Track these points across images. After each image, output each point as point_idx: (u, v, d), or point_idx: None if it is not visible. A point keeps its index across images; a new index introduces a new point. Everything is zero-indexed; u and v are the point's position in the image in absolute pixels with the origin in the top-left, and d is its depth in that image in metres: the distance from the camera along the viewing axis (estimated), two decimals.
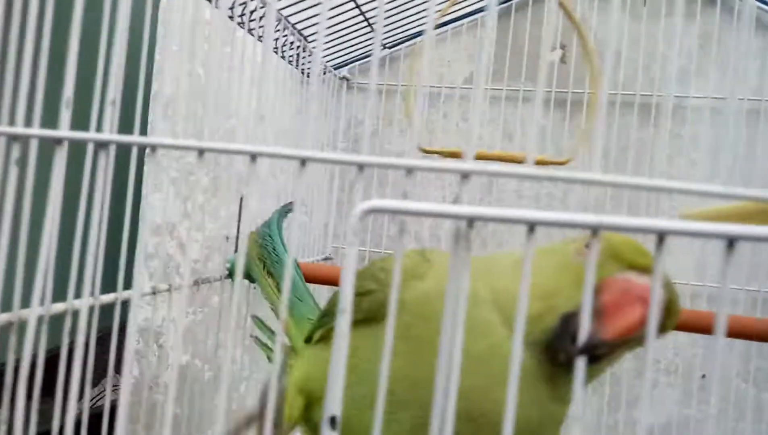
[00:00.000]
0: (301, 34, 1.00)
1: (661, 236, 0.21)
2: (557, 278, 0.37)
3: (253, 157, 0.27)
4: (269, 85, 0.93)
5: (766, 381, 1.09)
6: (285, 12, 0.92)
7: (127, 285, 0.55)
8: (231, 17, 0.82)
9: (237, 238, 0.93)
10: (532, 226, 0.22)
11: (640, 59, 1.12)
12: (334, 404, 0.23)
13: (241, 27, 0.76)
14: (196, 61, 0.92)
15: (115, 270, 0.53)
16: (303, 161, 0.25)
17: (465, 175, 0.23)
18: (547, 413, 0.37)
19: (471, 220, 0.22)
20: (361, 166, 0.25)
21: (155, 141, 0.28)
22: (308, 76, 1.10)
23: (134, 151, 0.52)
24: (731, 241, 0.21)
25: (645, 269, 0.35)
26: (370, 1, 1.00)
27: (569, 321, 0.35)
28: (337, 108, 1.21)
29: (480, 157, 0.84)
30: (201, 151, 0.28)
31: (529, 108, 1.16)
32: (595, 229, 0.22)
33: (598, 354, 0.35)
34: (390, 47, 1.19)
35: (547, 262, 0.38)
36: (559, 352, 0.35)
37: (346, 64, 1.20)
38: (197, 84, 0.91)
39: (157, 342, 0.81)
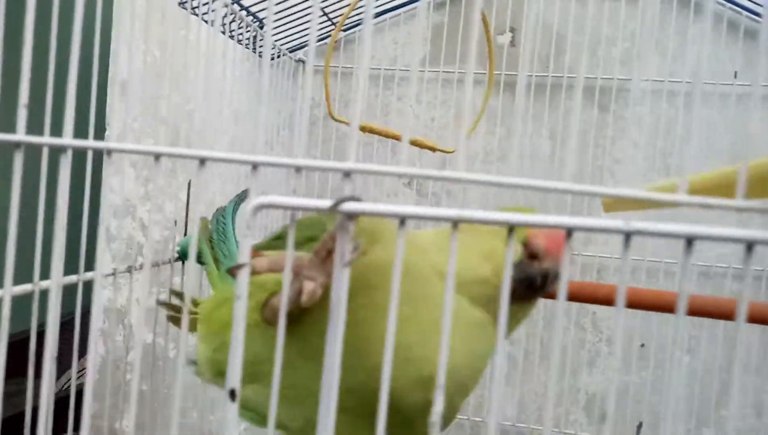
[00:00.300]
0: (255, 17, 1.01)
1: (628, 236, 0.24)
2: (491, 241, 0.42)
3: (254, 166, 0.28)
4: (225, 69, 0.95)
5: (698, 348, 1.16)
6: None
7: (89, 267, 0.58)
8: (182, 4, 0.83)
9: (186, 222, 0.95)
10: (456, 222, 0.25)
11: (585, 42, 1.17)
12: (234, 379, 0.26)
13: (194, 14, 0.78)
14: (152, 43, 0.94)
15: (77, 252, 0.56)
16: (254, 165, 0.28)
17: (347, 174, 0.27)
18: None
19: (351, 216, 0.26)
20: (348, 174, 0.28)
21: (113, 146, 0.30)
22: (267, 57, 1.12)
23: (92, 132, 0.54)
24: (689, 241, 0.23)
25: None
26: None
27: (518, 268, 0.41)
28: (294, 90, 1.23)
29: (365, 129, 0.87)
30: (157, 156, 0.30)
31: (480, 90, 1.20)
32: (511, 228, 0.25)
33: (548, 285, 0.41)
34: (345, 30, 1.22)
35: (476, 234, 0.43)
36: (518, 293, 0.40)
37: (302, 47, 1.22)
38: (153, 66, 0.93)
39: (122, 322, 0.83)
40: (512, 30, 1.20)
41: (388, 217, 0.26)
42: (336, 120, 0.92)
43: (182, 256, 0.84)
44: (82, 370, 0.97)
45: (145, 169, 0.97)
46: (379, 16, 1.20)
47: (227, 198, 0.91)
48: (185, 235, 0.95)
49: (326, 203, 0.26)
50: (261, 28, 1.02)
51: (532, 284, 0.41)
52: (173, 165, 1.00)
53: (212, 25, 0.76)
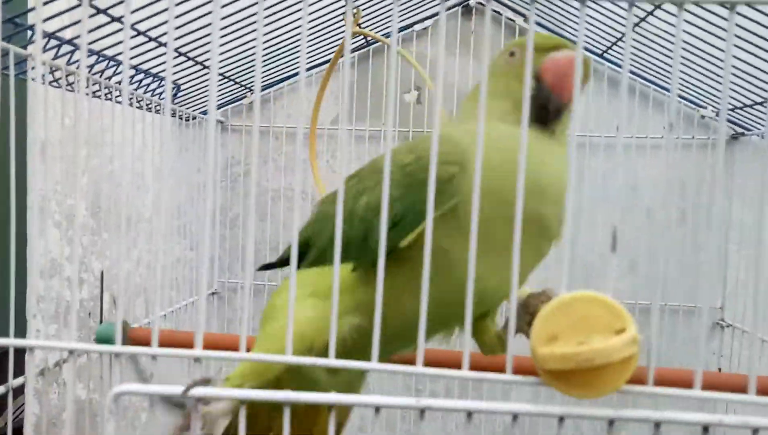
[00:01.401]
0: (173, 84, 1.06)
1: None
2: (507, 82, 0.52)
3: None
4: (144, 130, 0.99)
5: None
6: (151, 63, 0.96)
7: (18, 328, 0.58)
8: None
9: (101, 308, 0.97)
10: None
11: (482, 100, 1.28)
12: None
13: (108, 98, 0.82)
14: (68, 106, 0.96)
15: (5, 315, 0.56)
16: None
17: (197, 359, 0.34)
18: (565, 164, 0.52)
19: (200, 400, 0.32)
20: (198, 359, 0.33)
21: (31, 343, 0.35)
22: (185, 120, 1.17)
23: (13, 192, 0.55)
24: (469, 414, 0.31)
25: (557, 47, 0.51)
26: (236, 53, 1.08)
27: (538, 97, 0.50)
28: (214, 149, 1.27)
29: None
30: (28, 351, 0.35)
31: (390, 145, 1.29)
32: None
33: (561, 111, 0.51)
34: (262, 90, 1.28)
35: (492, 81, 0.52)
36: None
37: (219, 108, 1.27)
38: (71, 131, 0.95)
39: (56, 381, 0.83)
40: (418, 88, 1.30)
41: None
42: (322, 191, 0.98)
43: (100, 342, 0.83)
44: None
45: (70, 229, 0.98)
46: (294, 76, 1.28)
47: (150, 259, 0.94)
48: (101, 321, 0.95)
49: (178, 389, 0.32)
50: (177, 90, 1.07)
51: (546, 109, 0.50)
52: (97, 224, 1.02)
53: (118, 98, 0.80)
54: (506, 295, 0.52)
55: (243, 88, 1.23)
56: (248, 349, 0.40)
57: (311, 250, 0.56)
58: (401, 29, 1.26)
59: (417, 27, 1.27)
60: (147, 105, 0.95)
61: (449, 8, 1.27)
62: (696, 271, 1.27)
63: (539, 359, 0.32)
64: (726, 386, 0.73)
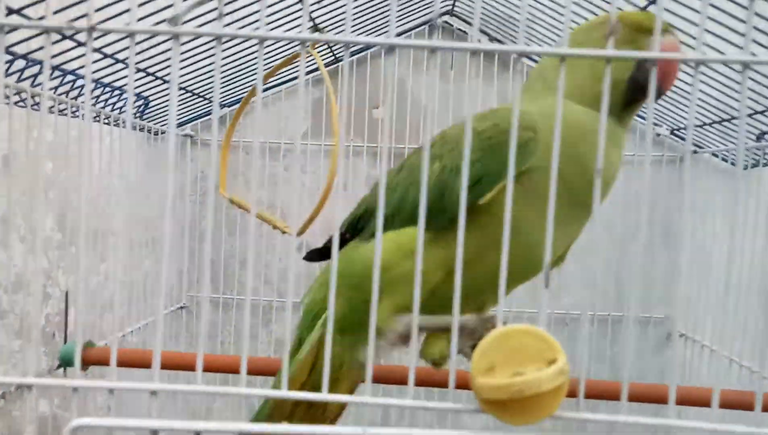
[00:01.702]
0: (141, 97, 1.08)
1: None
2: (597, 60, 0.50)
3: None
4: (112, 143, 1.00)
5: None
6: (122, 81, 0.98)
7: None
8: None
9: (65, 330, 0.97)
10: None
11: (449, 115, 1.32)
12: None
13: (75, 115, 0.84)
14: (34, 119, 0.97)
15: None
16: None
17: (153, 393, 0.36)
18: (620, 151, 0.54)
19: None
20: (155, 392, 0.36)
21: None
22: (154, 134, 1.18)
23: None
24: None
25: (663, 30, 0.49)
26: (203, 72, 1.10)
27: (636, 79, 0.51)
28: (183, 163, 1.29)
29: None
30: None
31: (357, 161, 1.32)
32: None
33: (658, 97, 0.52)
34: (229, 106, 1.30)
35: (589, 45, 0.52)
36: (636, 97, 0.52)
37: (189, 122, 1.29)
38: (36, 145, 0.97)
39: (20, 397, 0.84)
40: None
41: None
42: (225, 197, 1.00)
43: (64, 364, 0.84)
44: None
45: (35, 242, 0.99)
46: (263, 92, 1.30)
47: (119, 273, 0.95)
48: (65, 342, 0.96)
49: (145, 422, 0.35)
50: (145, 106, 1.09)
51: (638, 84, 0.51)
52: (64, 237, 1.03)
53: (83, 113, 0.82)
54: (555, 262, 0.59)
55: (212, 102, 1.25)
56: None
57: (370, 221, 0.59)
58: (369, 47, 1.29)
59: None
60: (114, 121, 0.97)
61: (416, 27, 1.30)
62: (650, 282, 1.32)
63: (477, 389, 0.35)
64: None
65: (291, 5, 0.95)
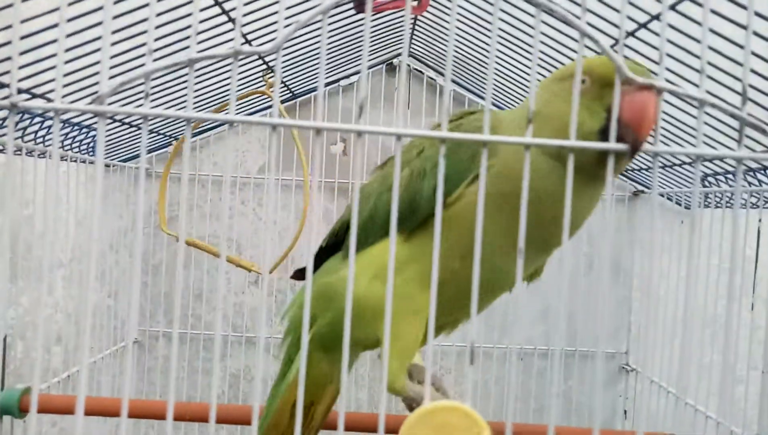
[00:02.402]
0: (89, 127, 1.07)
1: None
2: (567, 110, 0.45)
3: None
4: (58, 177, 0.99)
5: None
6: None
7: None
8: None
9: (2, 375, 0.95)
10: None
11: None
12: None
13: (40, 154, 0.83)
14: None
15: None
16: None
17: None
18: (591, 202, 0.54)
19: None
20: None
21: None
22: (107, 167, 1.17)
23: None
24: None
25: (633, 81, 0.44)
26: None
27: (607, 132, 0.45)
28: (137, 195, 1.28)
29: (189, 243, 0.96)
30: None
31: (317, 195, 1.32)
32: None
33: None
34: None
35: (557, 100, 0.51)
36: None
37: (138, 156, 1.28)
38: None
39: None
40: (344, 140, 1.35)
41: None
42: (166, 232, 1.00)
43: (2, 413, 0.80)
44: None
45: None
46: (221, 125, 1.30)
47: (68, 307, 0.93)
48: (1, 389, 0.93)
49: None
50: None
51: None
52: (12, 270, 1.01)
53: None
54: (507, 287, 0.59)
55: (168, 137, 1.25)
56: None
57: (348, 232, 0.61)
58: (327, 84, 1.31)
59: (343, 82, 1.32)
60: (62, 157, 0.96)
61: (374, 66, 1.33)
62: (602, 317, 1.35)
63: None
64: None
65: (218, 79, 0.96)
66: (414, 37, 1.23)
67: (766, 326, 0.96)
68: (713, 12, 0.63)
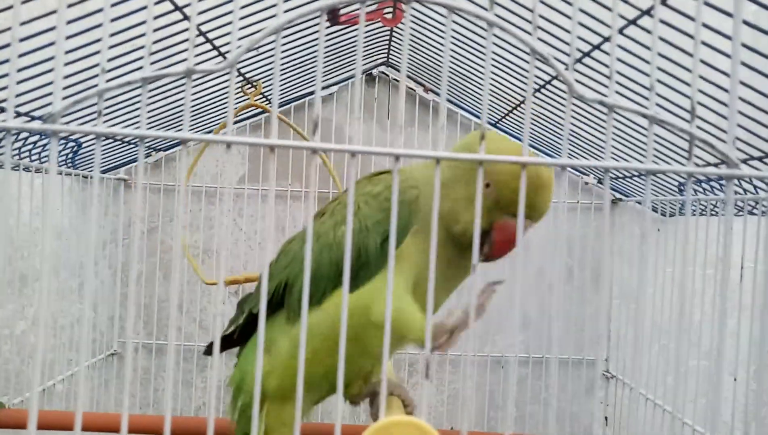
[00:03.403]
0: (72, 141, 1.07)
1: None
2: (471, 208, 0.56)
3: None
4: (39, 187, 0.99)
5: None
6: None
7: None
8: None
9: None
10: None
11: (386, 161, 1.34)
12: None
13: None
14: None
15: None
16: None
17: None
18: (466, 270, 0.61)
19: None
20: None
21: None
22: (84, 178, 1.17)
23: None
24: None
25: (515, 215, 0.56)
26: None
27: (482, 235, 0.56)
28: (116, 207, 1.28)
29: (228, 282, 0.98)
30: None
31: (298, 204, 1.33)
32: None
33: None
34: (165, 150, 1.30)
35: (458, 189, 0.58)
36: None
37: (123, 165, 1.28)
38: None
39: None
40: (324, 151, 1.35)
41: None
42: (207, 283, 1.01)
43: None
44: None
45: None
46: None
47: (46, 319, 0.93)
48: None
49: None
50: (78, 149, 1.08)
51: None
52: None
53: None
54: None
55: (146, 147, 1.25)
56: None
57: (292, 293, 0.62)
58: (306, 95, 1.31)
59: (322, 93, 1.33)
60: (36, 170, 0.96)
61: (353, 77, 1.33)
62: (583, 324, 1.35)
63: None
64: None
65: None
66: (392, 47, 1.23)
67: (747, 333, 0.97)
68: (663, 36, 0.64)
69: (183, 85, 0.99)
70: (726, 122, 0.41)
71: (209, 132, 1.31)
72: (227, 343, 0.67)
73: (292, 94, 1.30)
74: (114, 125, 1.02)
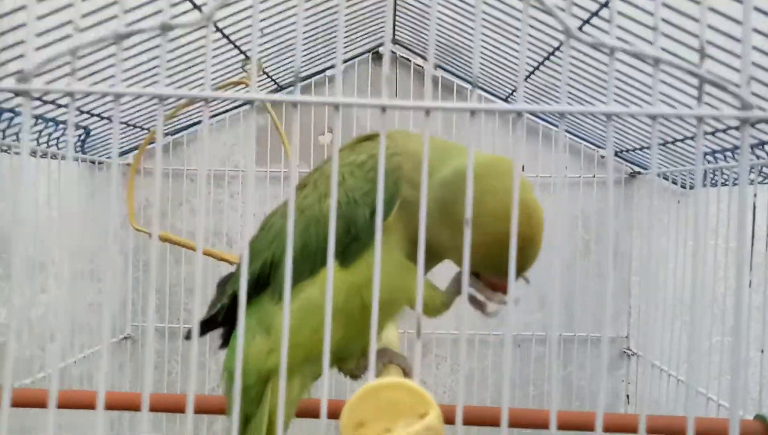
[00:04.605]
0: (82, 127, 1.07)
1: None
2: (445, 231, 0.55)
3: None
4: (50, 173, 0.99)
5: None
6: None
7: None
8: None
9: None
10: None
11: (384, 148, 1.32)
12: None
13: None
14: None
15: None
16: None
17: None
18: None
19: None
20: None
21: None
22: (95, 164, 1.17)
23: None
24: None
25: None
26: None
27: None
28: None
29: (163, 238, 0.96)
30: None
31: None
32: None
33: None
34: (172, 134, 1.29)
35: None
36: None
37: (131, 151, 1.28)
38: None
39: None
40: (331, 130, 1.34)
41: None
42: (136, 229, 0.99)
43: None
44: None
45: None
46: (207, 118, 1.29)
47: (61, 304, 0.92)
48: None
49: None
50: (87, 136, 1.07)
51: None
52: (4, 270, 1.01)
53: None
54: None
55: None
56: None
57: (277, 271, 0.59)
58: (314, 74, 1.30)
59: (329, 72, 1.31)
60: (52, 155, 0.95)
61: (361, 54, 1.31)
62: (601, 301, 1.33)
63: None
64: None
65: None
66: (397, 24, 1.21)
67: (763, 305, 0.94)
68: None
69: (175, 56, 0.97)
70: (739, 61, 0.38)
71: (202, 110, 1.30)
72: (210, 326, 0.65)
73: (309, 70, 1.28)
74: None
